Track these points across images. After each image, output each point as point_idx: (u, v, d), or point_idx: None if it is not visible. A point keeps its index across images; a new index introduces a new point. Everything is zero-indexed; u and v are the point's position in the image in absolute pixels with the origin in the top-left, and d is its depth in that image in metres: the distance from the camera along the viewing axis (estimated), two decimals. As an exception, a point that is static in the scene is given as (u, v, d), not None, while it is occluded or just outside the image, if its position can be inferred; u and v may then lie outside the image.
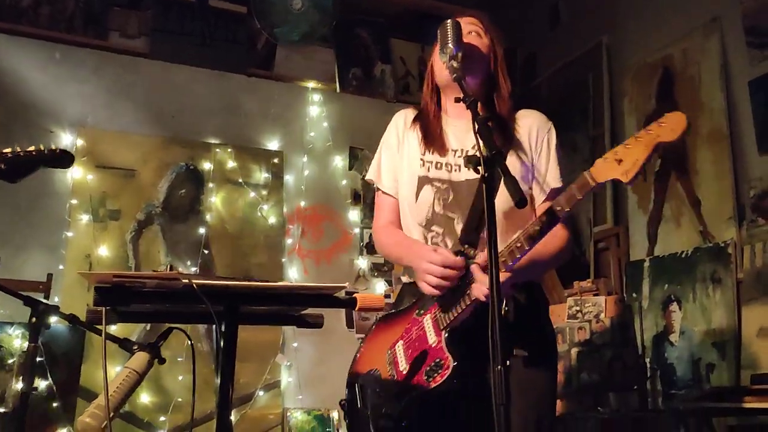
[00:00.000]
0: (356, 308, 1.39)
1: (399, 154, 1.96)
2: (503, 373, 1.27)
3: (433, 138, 1.88)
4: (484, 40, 1.89)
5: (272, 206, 3.61)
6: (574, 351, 2.92)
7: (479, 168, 1.26)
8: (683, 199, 3.56)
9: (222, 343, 1.34)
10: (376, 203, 2.04)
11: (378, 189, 2.01)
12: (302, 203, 3.71)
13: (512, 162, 1.82)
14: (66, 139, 3.30)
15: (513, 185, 1.25)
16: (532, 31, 5.11)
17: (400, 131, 1.98)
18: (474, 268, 1.59)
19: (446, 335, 1.66)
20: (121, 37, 3.65)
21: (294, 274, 3.60)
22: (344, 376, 1.93)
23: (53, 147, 1.84)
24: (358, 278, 3.65)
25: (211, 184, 3.52)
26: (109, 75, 3.45)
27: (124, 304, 1.20)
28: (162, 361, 1.48)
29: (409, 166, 1.91)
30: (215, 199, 3.51)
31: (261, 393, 3.28)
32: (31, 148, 1.84)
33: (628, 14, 4.19)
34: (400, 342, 1.80)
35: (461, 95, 1.51)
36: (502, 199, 1.74)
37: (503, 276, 1.55)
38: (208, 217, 3.47)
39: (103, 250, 3.21)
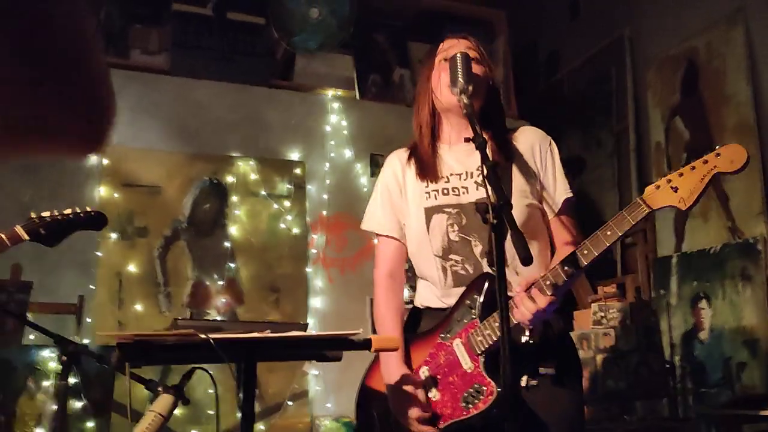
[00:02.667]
0: (371, 350, 1.41)
1: (402, 196, 1.96)
2: (514, 394, 1.29)
3: (426, 167, 1.89)
4: (483, 64, 1.90)
5: (295, 217, 3.64)
6: (599, 357, 2.92)
7: (488, 216, 1.27)
8: (711, 194, 3.50)
9: (241, 383, 1.38)
10: (376, 250, 2.04)
11: (377, 235, 2.02)
12: (325, 212, 3.73)
13: (518, 177, 1.84)
14: (92, 159, 3.37)
15: (520, 241, 1.25)
16: (552, 26, 5.05)
17: (399, 172, 1.98)
18: (520, 293, 1.62)
19: (484, 360, 1.67)
20: (142, 54, 3.70)
21: (319, 284, 3.63)
22: None
23: (88, 209, 1.95)
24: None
25: (234, 198, 3.56)
26: (132, 93, 3.50)
27: (146, 360, 1.25)
28: (186, 401, 1.53)
29: (414, 202, 1.91)
30: (239, 212, 3.55)
31: (289, 402, 3.34)
32: (68, 211, 1.95)
33: (650, 6, 4.12)
34: (425, 367, 1.79)
35: (469, 130, 1.52)
36: (516, 214, 1.76)
37: (547, 300, 1.58)
38: (232, 230, 3.52)
39: (132, 268, 3.28)
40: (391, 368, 1.79)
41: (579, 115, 4.63)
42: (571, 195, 1.88)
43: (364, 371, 1.98)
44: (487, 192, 1.31)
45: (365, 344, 1.38)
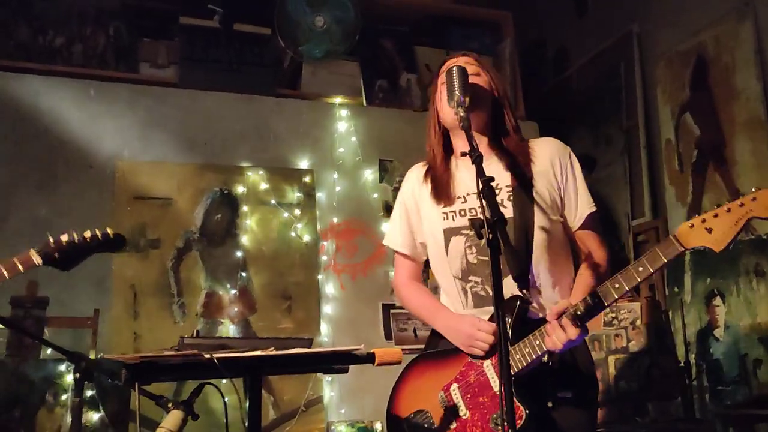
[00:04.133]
0: (375, 364, 1.44)
1: (418, 215, 1.99)
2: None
3: (441, 189, 1.91)
4: (484, 77, 1.90)
5: (306, 224, 3.68)
6: (611, 359, 2.91)
7: (482, 232, 1.29)
8: (722, 191, 3.49)
9: (246, 398, 1.41)
10: (394, 262, 2.11)
11: (395, 251, 2.07)
12: (335, 219, 3.76)
13: (539, 194, 1.84)
14: (104, 174, 3.43)
15: (514, 258, 1.27)
16: (560, 22, 5.03)
17: (416, 190, 2.01)
18: (552, 321, 1.64)
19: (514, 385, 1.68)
20: (151, 68, 3.75)
21: (331, 290, 3.66)
22: (385, 387, 1.96)
23: (108, 230, 1.93)
24: (393, 291, 3.70)
25: (245, 207, 3.60)
26: (142, 107, 3.55)
27: (154, 378, 1.28)
28: (195, 417, 1.56)
29: (431, 222, 1.93)
30: (250, 222, 3.59)
31: (304, 409, 3.37)
32: (87, 233, 1.93)
33: (657, 1, 4.10)
34: (455, 385, 1.80)
35: (467, 144, 1.54)
36: (540, 233, 1.77)
37: (578, 331, 1.62)
38: (244, 239, 3.56)
39: (146, 280, 3.33)
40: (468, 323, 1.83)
41: (588, 113, 4.62)
42: (594, 209, 1.88)
43: (391, 395, 1.96)
44: (482, 207, 1.32)
45: (369, 358, 1.40)
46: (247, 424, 1.44)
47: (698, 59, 3.76)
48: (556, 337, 1.61)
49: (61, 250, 1.94)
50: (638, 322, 3.02)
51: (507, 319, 1.74)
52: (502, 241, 1.26)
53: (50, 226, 3.10)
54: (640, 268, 1.58)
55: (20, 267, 1.90)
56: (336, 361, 1.44)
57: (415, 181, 2.02)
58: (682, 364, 3.17)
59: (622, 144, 4.30)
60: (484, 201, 1.32)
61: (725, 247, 1.52)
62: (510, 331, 1.72)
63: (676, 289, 3.62)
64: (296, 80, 4.03)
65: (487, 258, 1.77)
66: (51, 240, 1.97)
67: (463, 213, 1.86)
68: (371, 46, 4.17)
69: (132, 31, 3.78)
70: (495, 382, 1.73)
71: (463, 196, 1.88)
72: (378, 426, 3.42)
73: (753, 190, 1.54)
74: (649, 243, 3.96)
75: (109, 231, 2.07)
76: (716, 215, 1.53)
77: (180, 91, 3.67)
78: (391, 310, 3.68)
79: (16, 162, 3.31)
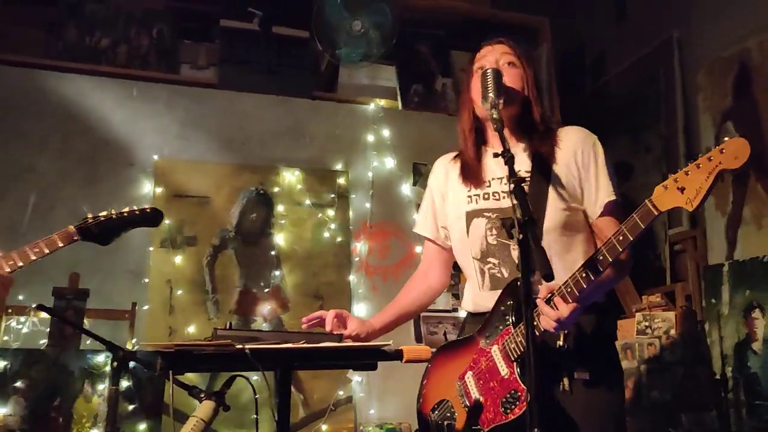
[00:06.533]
0: (403, 361, 1.45)
1: (444, 201, 2.03)
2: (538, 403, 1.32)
3: (469, 172, 1.94)
4: (518, 68, 1.90)
5: (339, 225, 3.73)
6: (643, 368, 2.87)
7: (513, 232, 1.29)
8: (764, 201, 3.41)
9: (276, 391, 1.43)
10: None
11: (423, 238, 2.12)
12: (368, 221, 3.80)
13: (556, 181, 1.84)
14: (144, 171, 3.52)
15: (542, 258, 1.27)
16: (599, 28, 4.99)
17: (442, 177, 2.06)
18: (539, 301, 1.63)
19: (518, 368, 1.70)
20: (191, 69, 3.85)
21: (362, 291, 3.70)
22: (413, 389, 2.01)
23: (145, 206, 1.99)
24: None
25: (280, 207, 3.67)
26: (181, 107, 3.65)
27: (188, 368, 1.32)
28: (227, 408, 1.59)
29: (455, 206, 1.97)
30: (285, 221, 3.66)
31: (333, 408, 3.41)
32: (125, 209, 2.01)
33: (700, 7, 4.03)
34: (470, 373, 1.83)
35: (510, 137, 1.55)
36: (552, 218, 1.77)
37: (569, 308, 1.58)
38: (278, 238, 3.62)
39: (182, 276, 3.41)
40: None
41: (626, 120, 4.56)
42: (613, 198, 1.84)
43: (420, 388, 2.02)
44: (513, 208, 1.33)
45: (397, 355, 1.41)
46: (276, 418, 1.46)
47: (741, 66, 3.69)
48: (547, 316, 1.60)
49: (98, 225, 2.00)
50: (672, 332, 2.98)
51: (509, 303, 1.76)
52: (532, 241, 1.27)
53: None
54: (620, 237, 1.54)
55: (60, 242, 1.96)
56: (366, 357, 1.46)
57: (441, 169, 2.07)
58: (717, 377, 3.10)
59: (660, 152, 4.23)
60: (515, 201, 1.33)
61: (698, 206, 1.44)
62: (513, 315, 1.74)
63: (713, 301, 3.55)
64: (333, 83, 4.09)
65: (505, 240, 1.81)
66: (89, 216, 2.05)
67: (486, 196, 1.89)
68: (408, 51, 4.21)
69: (174, 34, 3.88)
70: (502, 368, 1.74)
71: (489, 181, 1.91)
72: (406, 427, 3.43)
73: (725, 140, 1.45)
74: (686, 252, 3.89)
75: (145, 206, 2.14)
76: (687, 173, 1.45)
77: (219, 92, 3.76)
78: (422, 314, 3.69)
79: (63, 158, 3.44)
